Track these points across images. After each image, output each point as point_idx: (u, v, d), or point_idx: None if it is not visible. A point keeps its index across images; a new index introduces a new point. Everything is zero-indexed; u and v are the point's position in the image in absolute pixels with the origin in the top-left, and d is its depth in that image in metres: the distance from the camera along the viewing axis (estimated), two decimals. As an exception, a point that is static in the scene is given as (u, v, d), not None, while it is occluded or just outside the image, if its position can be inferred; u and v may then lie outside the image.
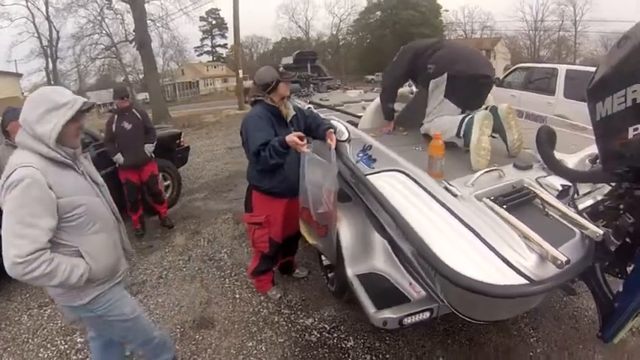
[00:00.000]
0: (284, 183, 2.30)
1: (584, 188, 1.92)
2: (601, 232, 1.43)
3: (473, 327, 2.28)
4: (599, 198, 1.76)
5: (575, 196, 1.80)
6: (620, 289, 1.43)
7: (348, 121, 2.70)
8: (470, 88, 2.33)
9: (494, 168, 1.84)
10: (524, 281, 1.32)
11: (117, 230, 1.60)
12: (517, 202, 1.60)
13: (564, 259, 1.29)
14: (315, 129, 2.36)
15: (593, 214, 1.62)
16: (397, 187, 1.80)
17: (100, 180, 1.58)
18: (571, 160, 2.00)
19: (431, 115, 2.49)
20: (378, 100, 3.27)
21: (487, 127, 2.04)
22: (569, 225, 1.52)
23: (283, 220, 2.44)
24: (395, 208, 1.69)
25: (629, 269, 1.46)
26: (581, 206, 1.75)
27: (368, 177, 1.95)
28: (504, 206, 1.54)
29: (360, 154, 2.20)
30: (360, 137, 2.33)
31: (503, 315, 1.94)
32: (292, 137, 2.06)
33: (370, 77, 34.71)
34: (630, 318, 1.37)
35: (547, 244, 1.34)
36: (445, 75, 2.36)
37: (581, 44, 33.30)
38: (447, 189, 1.67)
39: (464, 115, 2.21)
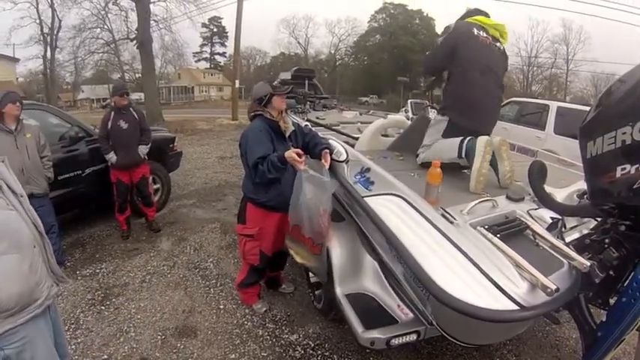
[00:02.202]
0: (279, 197, 2.30)
1: (571, 222, 2.00)
2: (588, 263, 1.49)
3: (456, 351, 2.30)
4: (585, 232, 1.84)
5: (563, 229, 1.87)
6: (603, 319, 1.48)
7: (344, 142, 2.74)
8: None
9: (488, 198, 1.89)
10: (515, 307, 1.36)
11: (40, 249, 1.32)
12: (510, 231, 1.65)
13: (554, 287, 1.34)
14: (312, 147, 2.36)
15: (579, 246, 1.68)
16: (395, 211, 1.82)
17: (20, 189, 1.31)
18: (560, 195, 2.08)
19: (426, 147, 2.59)
20: (376, 122, 3.35)
21: (488, 153, 2.15)
22: (558, 256, 1.57)
23: (275, 233, 2.43)
24: (392, 231, 1.71)
25: (612, 301, 1.51)
26: (568, 239, 1.82)
27: (365, 199, 1.97)
28: (498, 235, 1.59)
29: (358, 176, 2.21)
30: (359, 159, 2.34)
31: (491, 339, 1.97)
32: (291, 154, 2.08)
33: (364, 99, 35.25)
34: (612, 348, 1.41)
35: (538, 273, 1.39)
36: (447, 118, 2.49)
37: (572, 82, 34.29)
38: (444, 216, 1.71)
39: (462, 138, 2.30)
